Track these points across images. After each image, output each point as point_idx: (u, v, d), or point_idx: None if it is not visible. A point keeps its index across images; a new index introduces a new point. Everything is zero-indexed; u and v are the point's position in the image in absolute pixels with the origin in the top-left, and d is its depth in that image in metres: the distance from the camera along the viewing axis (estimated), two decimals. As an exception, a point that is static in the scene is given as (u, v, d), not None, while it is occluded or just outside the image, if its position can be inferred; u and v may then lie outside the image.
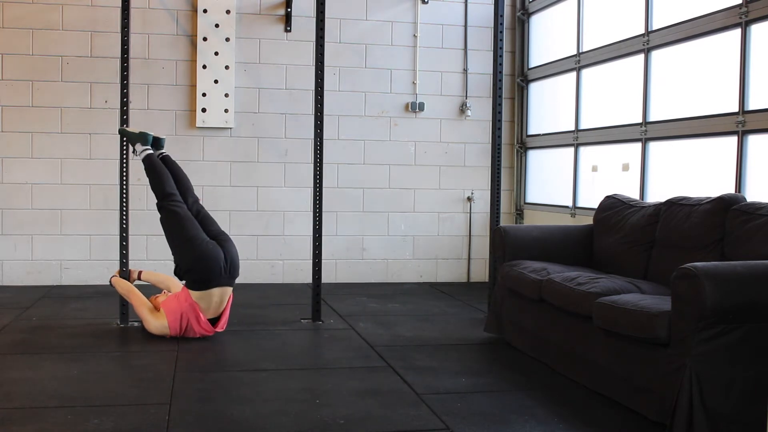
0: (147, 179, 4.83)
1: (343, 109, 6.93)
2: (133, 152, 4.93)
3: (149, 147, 4.89)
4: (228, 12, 6.65)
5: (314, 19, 5.22)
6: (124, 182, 4.99)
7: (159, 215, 4.72)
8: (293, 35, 6.83)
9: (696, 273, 2.94)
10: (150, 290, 5.01)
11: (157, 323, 4.55)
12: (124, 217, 4.99)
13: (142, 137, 4.89)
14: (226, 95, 6.66)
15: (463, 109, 7.14)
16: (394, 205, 7.08)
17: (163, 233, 4.70)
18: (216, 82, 6.63)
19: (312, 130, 5.31)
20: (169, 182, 4.76)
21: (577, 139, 6.28)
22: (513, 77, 7.29)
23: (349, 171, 6.97)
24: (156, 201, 4.74)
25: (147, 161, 4.84)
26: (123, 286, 4.83)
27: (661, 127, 5.18)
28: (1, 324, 4.93)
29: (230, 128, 6.73)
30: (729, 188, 4.46)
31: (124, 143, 5.00)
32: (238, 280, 6.69)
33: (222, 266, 4.56)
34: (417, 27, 7.05)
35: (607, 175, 5.89)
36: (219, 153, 6.72)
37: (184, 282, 4.63)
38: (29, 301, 5.74)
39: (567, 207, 6.44)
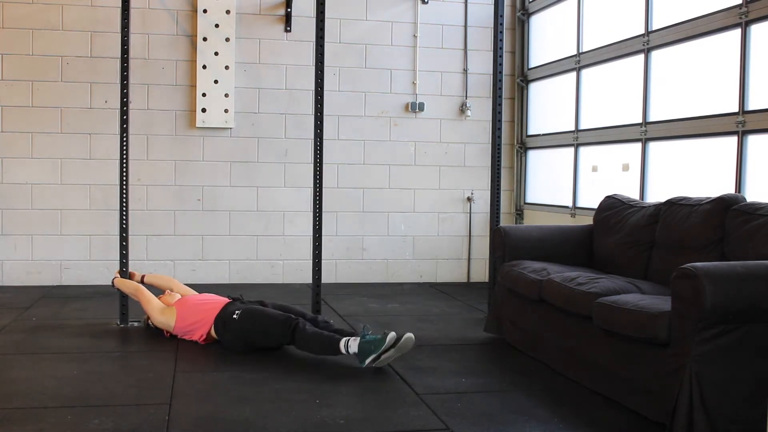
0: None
1: (343, 109, 6.93)
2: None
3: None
4: (228, 12, 6.65)
5: (314, 19, 5.21)
6: (124, 182, 4.98)
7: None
8: (293, 35, 6.83)
9: (696, 273, 2.94)
10: (151, 291, 5.00)
11: (162, 319, 4.56)
12: (124, 217, 4.99)
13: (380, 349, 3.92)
14: (226, 95, 6.66)
15: (463, 109, 7.14)
16: (394, 205, 7.08)
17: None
18: (216, 82, 6.63)
19: (312, 130, 5.31)
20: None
21: (577, 139, 6.28)
22: (513, 77, 7.29)
23: (349, 171, 6.97)
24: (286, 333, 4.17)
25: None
26: (129, 286, 4.85)
27: (661, 127, 5.18)
28: (1, 324, 4.93)
29: (230, 128, 6.73)
30: (729, 188, 4.46)
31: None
32: (237, 281, 6.75)
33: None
34: (417, 27, 7.05)
35: (607, 175, 5.89)
36: (219, 153, 6.72)
37: (214, 327, 4.38)
38: (29, 301, 5.74)
39: (567, 207, 6.44)
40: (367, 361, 3.89)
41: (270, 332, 4.19)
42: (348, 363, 4.11)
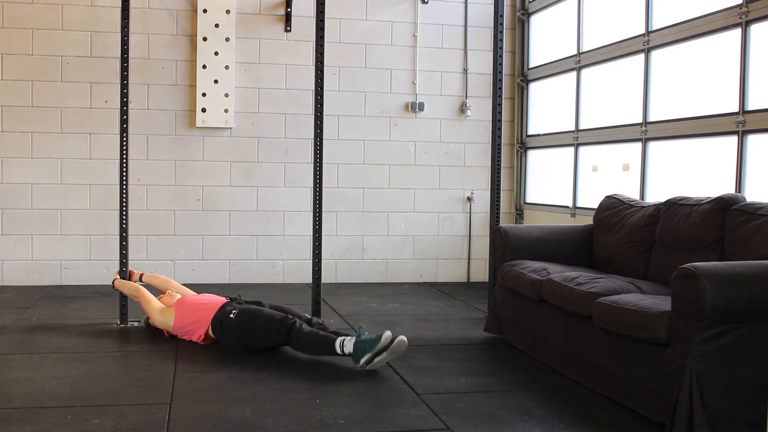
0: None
1: (343, 109, 6.93)
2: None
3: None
4: (228, 12, 6.65)
5: (314, 19, 5.21)
6: (124, 182, 4.98)
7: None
8: (293, 35, 6.83)
9: (696, 273, 2.94)
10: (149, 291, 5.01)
11: (162, 319, 4.57)
12: (124, 217, 4.99)
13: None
14: (226, 95, 6.66)
15: (463, 109, 7.14)
16: (394, 205, 7.08)
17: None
18: (216, 82, 6.63)
19: (312, 130, 5.31)
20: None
21: (577, 139, 6.28)
22: (513, 77, 7.29)
23: (349, 171, 6.97)
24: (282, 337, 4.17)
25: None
26: (129, 287, 4.87)
27: (661, 127, 5.18)
28: (1, 324, 4.93)
29: (230, 128, 6.73)
30: (729, 188, 4.46)
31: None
32: (237, 281, 6.75)
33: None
34: (417, 27, 7.05)
35: (607, 175, 5.89)
36: (219, 153, 6.72)
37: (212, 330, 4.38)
38: (29, 301, 5.74)
39: (567, 207, 6.44)
40: (362, 360, 3.87)
41: (266, 332, 4.18)
42: (347, 363, 4.11)
